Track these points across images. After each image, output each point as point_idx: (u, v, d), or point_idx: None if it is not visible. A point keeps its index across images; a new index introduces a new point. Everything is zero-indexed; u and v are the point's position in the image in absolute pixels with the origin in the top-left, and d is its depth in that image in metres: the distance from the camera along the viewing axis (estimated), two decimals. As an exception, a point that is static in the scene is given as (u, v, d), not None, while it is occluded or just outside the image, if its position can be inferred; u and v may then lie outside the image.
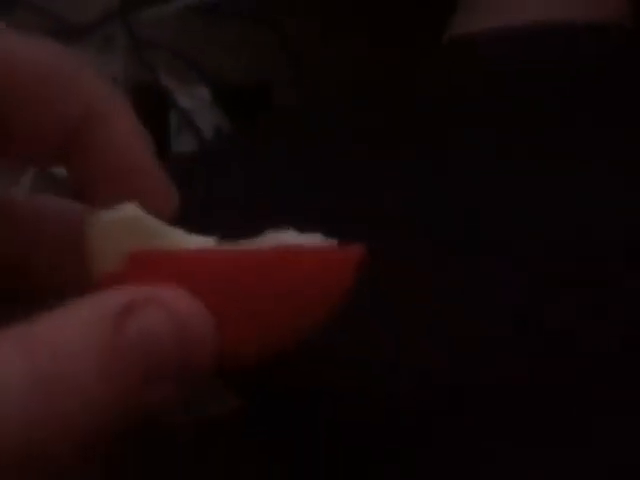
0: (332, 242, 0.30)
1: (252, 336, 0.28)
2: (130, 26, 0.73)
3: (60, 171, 0.33)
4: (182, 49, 0.72)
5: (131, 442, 0.28)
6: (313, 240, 0.30)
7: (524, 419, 0.39)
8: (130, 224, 0.29)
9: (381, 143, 0.49)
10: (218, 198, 0.50)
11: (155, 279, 0.27)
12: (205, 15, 0.77)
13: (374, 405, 0.41)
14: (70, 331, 0.26)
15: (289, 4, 0.77)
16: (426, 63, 0.55)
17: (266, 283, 0.28)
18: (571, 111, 0.49)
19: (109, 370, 0.26)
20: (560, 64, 0.51)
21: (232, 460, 0.42)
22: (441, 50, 0.56)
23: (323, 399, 0.41)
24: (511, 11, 0.56)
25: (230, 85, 0.71)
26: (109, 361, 0.26)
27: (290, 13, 0.77)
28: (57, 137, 0.31)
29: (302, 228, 0.30)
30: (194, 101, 0.69)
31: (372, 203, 0.47)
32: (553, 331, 0.42)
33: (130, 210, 0.29)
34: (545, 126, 0.49)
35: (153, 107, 0.68)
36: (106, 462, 0.31)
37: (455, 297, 0.43)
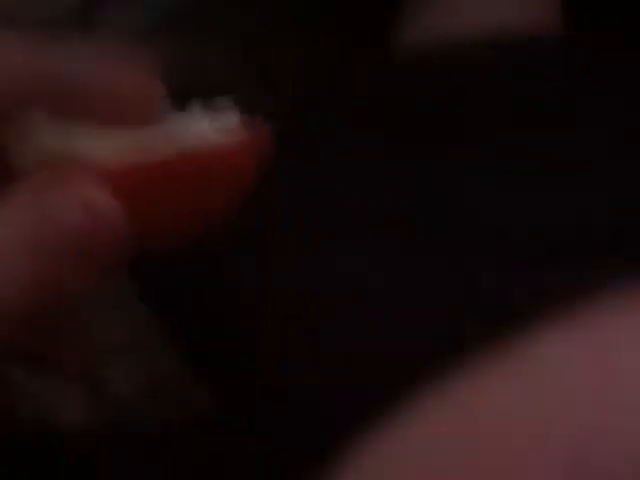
0: (236, 119, 0.32)
1: (164, 225, 0.31)
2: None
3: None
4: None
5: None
6: (214, 121, 0.31)
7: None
8: (41, 143, 0.30)
9: (381, 143, 0.50)
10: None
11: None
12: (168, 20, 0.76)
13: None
14: None
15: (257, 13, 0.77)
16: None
17: (169, 183, 0.30)
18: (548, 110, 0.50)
19: (30, 245, 0.28)
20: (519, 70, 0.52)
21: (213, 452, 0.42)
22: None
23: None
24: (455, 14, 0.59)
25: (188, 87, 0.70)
26: (30, 236, 0.28)
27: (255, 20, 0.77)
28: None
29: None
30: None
31: (371, 203, 0.47)
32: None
33: (40, 126, 0.30)
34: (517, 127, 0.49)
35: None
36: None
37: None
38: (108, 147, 0.30)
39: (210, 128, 0.31)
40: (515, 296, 0.42)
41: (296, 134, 0.50)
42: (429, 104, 0.51)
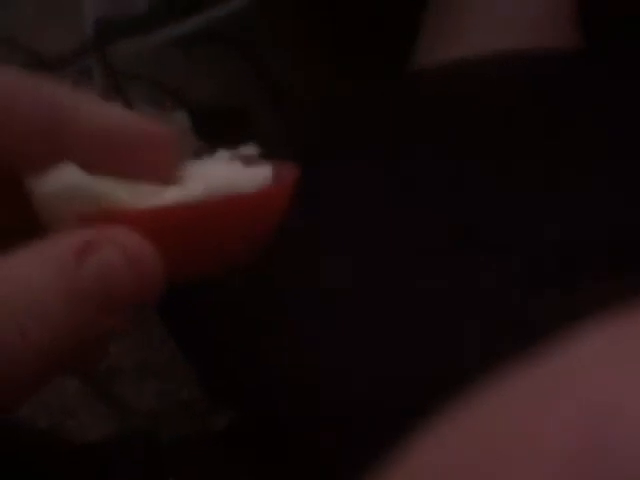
0: (266, 167, 0.32)
1: (189, 266, 0.32)
2: (106, 58, 0.73)
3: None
4: (159, 79, 0.72)
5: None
6: (243, 168, 0.32)
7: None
8: (70, 190, 0.30)
9: (381, 153, 0.50)
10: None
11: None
12: (183, 46, 0.77)
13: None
14: (32, 267, 0.28)
15: (264, 34, 0.78)
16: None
17: (196, 227, 0.31)
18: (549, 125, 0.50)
19: (72, 300, 0.28)
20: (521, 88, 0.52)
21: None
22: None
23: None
24: (469, 42, 0.58)
25: (208, 110, 0.71)
26: (72, 292, 0.28)
27: (265, 42, 0.78)
28: (33, 141, 0.31)
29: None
30: (173, 126, 0.69)
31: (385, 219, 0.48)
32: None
33: (67, 174, 0.30)
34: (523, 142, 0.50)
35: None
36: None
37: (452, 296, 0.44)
38: (137, 192, 0.31)
39: (237, 175, 0.32)
40: (532, 312, 0.43)
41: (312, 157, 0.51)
42: (443, 116, 0.51)
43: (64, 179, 0.31)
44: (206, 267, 0.33)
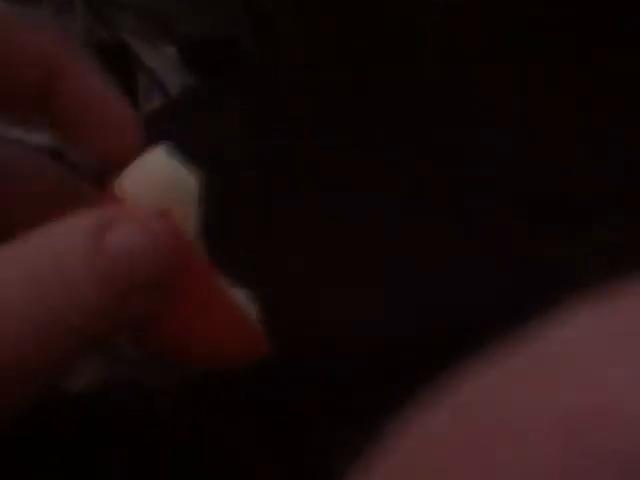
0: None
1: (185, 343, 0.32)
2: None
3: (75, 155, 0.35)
4: (146, 7, 0.71)
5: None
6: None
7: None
8: (159, 177, 0.30)
9: (351, 99, 0.49)
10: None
11: None
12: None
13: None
14: (57, 238, 0.27)
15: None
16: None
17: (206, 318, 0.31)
18: None
19: (98, 274, 0.27)
20: None
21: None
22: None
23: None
24: None
25: (197, 43, 0.70)
26: (97, 265, 0.27)
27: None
28: (25, 96, 0.32)
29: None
30: (161, 60, 0.67)
31: (342, 157, 0.47)
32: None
33: (157, 160, 0.31)
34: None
35: (119, 68, 0.67)
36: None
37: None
38: None
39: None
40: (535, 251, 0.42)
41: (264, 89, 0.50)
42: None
43: (153, 165, 0.31)
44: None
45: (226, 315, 0.31)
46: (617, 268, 0.23)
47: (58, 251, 0.27)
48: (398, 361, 0.40)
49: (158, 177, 0.30)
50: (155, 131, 0.51)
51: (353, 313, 0.42)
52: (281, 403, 0.42)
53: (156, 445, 0.40)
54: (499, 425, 0.20)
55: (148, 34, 0.69)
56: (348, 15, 0.51)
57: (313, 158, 0.46)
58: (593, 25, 0.47)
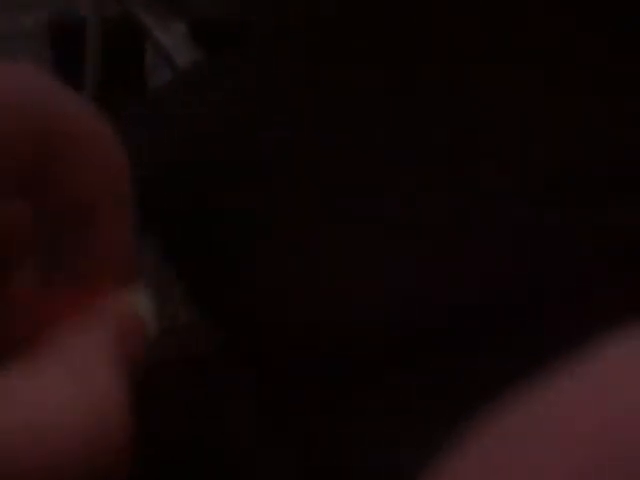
0: None
1: None
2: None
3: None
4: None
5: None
6: None
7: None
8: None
9: (354, 68, 0.49)
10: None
11: None
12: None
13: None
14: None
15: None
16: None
17: None
18: None
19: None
20: None
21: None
22: None
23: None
24: None
25: (207, 20, 0.70)
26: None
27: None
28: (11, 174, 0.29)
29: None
30: (171, 36, 0.68)
31: (345, 128, 0.47)
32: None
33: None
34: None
35: (129, 43, 0.67)
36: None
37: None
38: None
39: None
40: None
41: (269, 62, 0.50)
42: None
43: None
44: None
45: None
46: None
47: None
48: (401, 353, 0.41)
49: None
50: (159, 107, 0.52)
51: (353, 311, 0.42)
52: (281, 393, 0.42)
53: (157, 431, 0.41)
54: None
55: (159, 10, 0.70)
56: (352, 14, 0.50)
57: (313, 154, 0.46)
58: (593, 25, 0.47)
